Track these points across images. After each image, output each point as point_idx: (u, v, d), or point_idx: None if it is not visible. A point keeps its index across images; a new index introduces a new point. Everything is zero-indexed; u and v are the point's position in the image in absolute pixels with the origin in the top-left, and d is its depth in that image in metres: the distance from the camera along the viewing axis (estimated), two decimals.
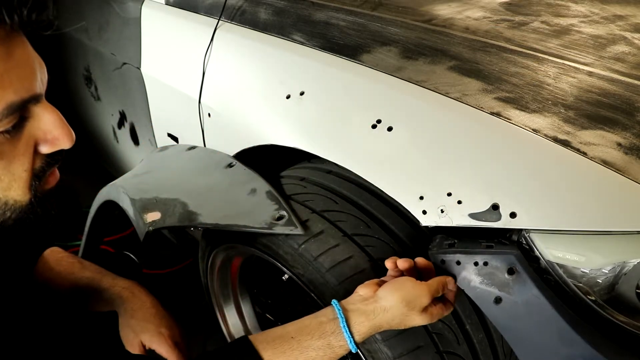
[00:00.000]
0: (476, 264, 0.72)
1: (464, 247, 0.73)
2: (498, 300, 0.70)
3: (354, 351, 0.67)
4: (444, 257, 0.75)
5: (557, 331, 0.67)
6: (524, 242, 0.71)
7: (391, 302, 0.68)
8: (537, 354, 0.70)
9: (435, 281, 0.71)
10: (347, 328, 0.66)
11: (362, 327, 0.68)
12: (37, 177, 0.54)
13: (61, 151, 0.56)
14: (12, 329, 0.55)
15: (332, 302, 0.70)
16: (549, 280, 0.69)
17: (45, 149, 0.54)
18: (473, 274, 0.72)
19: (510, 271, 0.69)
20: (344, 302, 0.71)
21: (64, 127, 0.54)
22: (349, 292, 0.81)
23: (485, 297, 0.71)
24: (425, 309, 0.69)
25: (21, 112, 0.50)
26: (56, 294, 0.86)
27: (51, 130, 0.53)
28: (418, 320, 0.69)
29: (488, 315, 0.72)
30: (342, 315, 0.67)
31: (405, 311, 0.68)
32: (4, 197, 0.52)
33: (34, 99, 0.50)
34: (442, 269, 0.76)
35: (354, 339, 0.67)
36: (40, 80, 0.51)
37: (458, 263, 0.73)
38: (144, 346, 0.85)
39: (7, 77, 0.46)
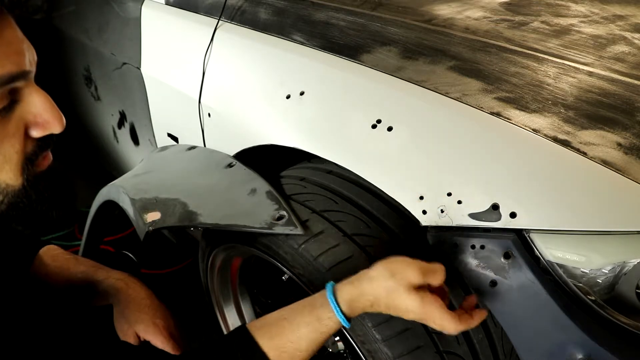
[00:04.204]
0: (473, 246, 0.72)
1: (462, 230, 0.74)
2: (493, 283, 0.71)
3: (343, 323, 0.65)
4: (441, 239, 0.75)
5: (550, 316, 0.68)
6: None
7: (377, 271, 0.66)
8: (531, 339, 0.71)
9: (430, 264, 0.66)
10: (332, 296, 0.66)
11: (347, 294, 0.66)
12: (29, 160, 0.55)
13: (52, 135, 0.56)
14: (8, 325, 0.55)
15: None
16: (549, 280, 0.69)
17: (35, 133, 0.54)
18: (469, 257, 0.73)
19: (506, 255, 0.69)
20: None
21: (54, 111, 0.54)
22: None
23: (481, 280, 0.72)
24: (415, 289, 0.64)
25: (11, 95, 0.50)
26: (53, 290, 0.86)
27: (41, 114, 0.53)
28: (406, 298, 0.64)
29: (483, 298, 0.73)
30: (331, 288, 0.67)
31: (391, 284, 0.64)
32: None
33: (22, 76, 0.51)
34: (439, 251, 0.76)
35: (340, 309, 0.65)
36: (29, 60, 0.52)
37: (455, 245, 0.74)
38: (138, 337, 0.84)
39: None
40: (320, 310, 0.66)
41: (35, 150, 0.55)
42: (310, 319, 0.66)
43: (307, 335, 0.65)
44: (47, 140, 0.56)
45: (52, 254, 0.90)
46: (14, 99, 0.51)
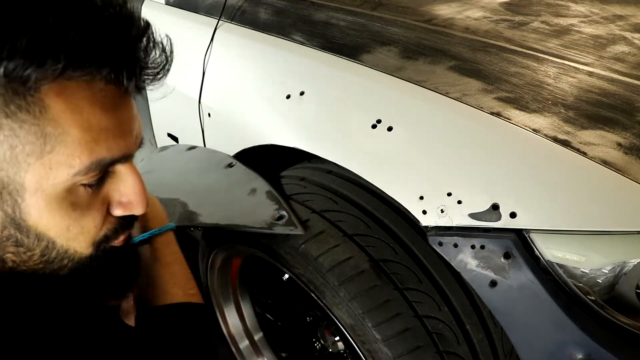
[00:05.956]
0: (473, 247, 0.72)
1: (462, 230, 0.74)
2: (493, 283, 0.71)
3: (135, 241, 0.71)
4: (441, 240, 0.75)
5: (550, 316, 0.68)
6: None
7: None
8: (531, 338, 0.71)
9: None
10: (138, 239, 0.73)
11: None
12: (106, 237, 0.53)
13: (135, 216, 0.55)
14: (19, 321, 0.54)
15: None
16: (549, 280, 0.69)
17: (117, 211, 0.53)
18: (470, 257, 0.73)
19: (506, 255, 0.70)
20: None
21: (141, 194, 0.53)
22: (349, 292, 0.82)
23: (481, 280, 0.72)
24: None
25: (106, 169, 0.49)
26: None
27: (128, 194, 0.52)
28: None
29: (483, 298, 0.73)
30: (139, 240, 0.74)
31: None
32: (66, 246, 0.50)
33: (125, 159, 0.50)
34: (439, 251, 0.76)
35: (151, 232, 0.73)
36: (135, 142, 0.51)
37: (455, 246, 0.74)
38: None
39: (105, 134, 0.46)
40: (143, 254, 0.73)
41: (116, 228, 0.54)
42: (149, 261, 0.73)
43: (165, 264, 0.73)
44: (130, 220, 0.55)
45: None
46: (107, 172, 0.50)
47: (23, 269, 0.51)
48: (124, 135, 0.48)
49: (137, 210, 0.53)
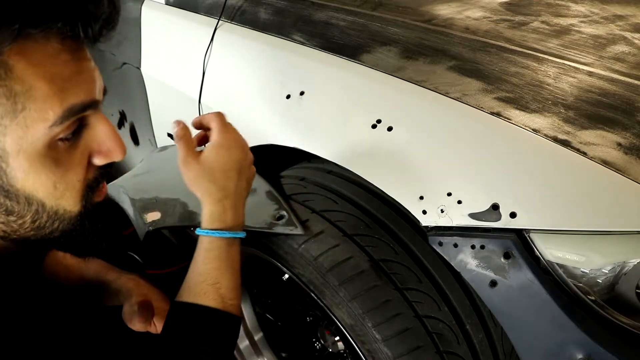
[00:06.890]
0: (473, 247, 0.72)
1: (462, 230, 0.74)
2: (493, 283, 0.71)
3: (201, 233, 0.72)
4: (441, 239, 0.75)
5: (550, 316, 0.68)
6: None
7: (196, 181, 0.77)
8: (531, 338, 0.71)
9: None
10: (201, 230, 0.72)
11: (210, 219, 0.72)
12: (90, 188, 0.55)
13: (112, 164, 0.57)
14: (18, 324, 0.54)
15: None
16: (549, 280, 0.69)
17: (98, 161, 0.55)
18: (470, 257, 0.73)
19: (506, 255, 0.69)
20: None
21: (117, 140, 0.55)
22: (349, 292, 0.82)
23: (481, 280, 0.72)
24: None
25: (80, 120, 0.51)
26: (63, 287, 0.86)
27: (105, 142, 0.54)
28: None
29: (483, 298, 0.73)
30: (200, 231, 0.73)
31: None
32: (55, 206, 0.52)
33: (94, 104, 0.52)
34: (439, 251, 0.76)
35: (214, 229, 0.71)
36: (99, 90, 0.53)
37: (455, 245, 0.74)
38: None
39: (70, 82, 0.48)
40: (204, 245, 0.72)
41: (96, 177, 0.56)
42: (201, 257, 0.72)
43: (217, 267, 0.71)
44: (108, 168, 0.58)
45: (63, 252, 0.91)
46: (82, 124, 0.52)
47: (14, 238, 0.53)
48: (87, 80, 0.50)
49: (117, 156, 0.55)
